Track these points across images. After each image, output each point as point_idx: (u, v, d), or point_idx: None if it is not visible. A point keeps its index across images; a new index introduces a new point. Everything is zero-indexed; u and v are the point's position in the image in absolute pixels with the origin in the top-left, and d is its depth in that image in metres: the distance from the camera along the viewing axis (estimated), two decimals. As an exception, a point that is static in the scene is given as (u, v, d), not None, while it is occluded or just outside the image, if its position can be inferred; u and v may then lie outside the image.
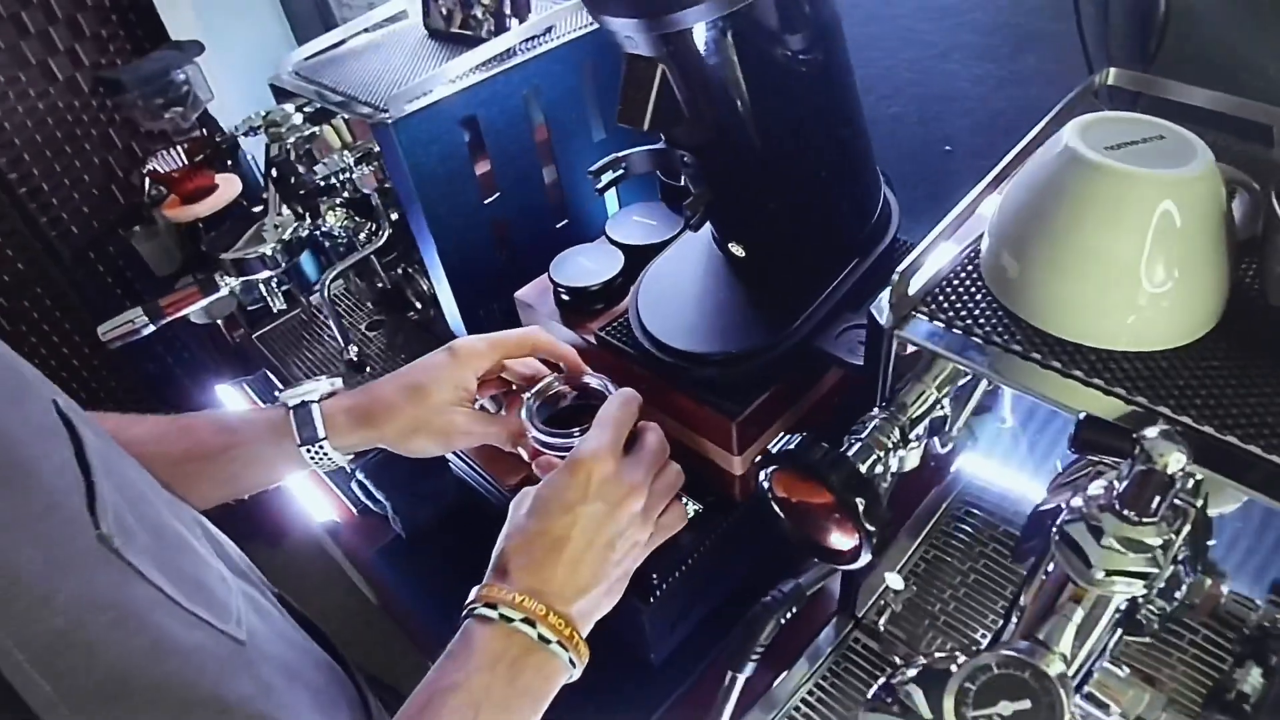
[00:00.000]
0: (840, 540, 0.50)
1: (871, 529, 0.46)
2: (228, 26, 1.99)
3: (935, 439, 0.57)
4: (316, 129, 1.06)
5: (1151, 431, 0.39)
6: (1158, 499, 0.40)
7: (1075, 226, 0.48)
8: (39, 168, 1.90)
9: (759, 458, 0.51)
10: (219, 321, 1.50)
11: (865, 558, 0.49)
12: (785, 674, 0.80)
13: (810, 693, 0.78)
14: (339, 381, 0.75)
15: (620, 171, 0.76)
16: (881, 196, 0.87)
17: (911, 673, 0.54)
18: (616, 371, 0.85)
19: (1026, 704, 0.41)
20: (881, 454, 0.50)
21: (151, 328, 1.10)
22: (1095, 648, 0.44)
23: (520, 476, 0.90)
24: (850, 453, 0.49)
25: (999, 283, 0.54)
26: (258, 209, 1.20)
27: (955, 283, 0.56)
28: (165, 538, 0.49)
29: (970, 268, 0.57)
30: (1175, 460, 0.39)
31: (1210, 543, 0.49)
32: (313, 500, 1.23)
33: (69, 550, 0.41)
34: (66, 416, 0.45)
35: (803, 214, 0.79)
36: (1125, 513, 0.42)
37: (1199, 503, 0.45)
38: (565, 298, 0.94)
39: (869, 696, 0.53)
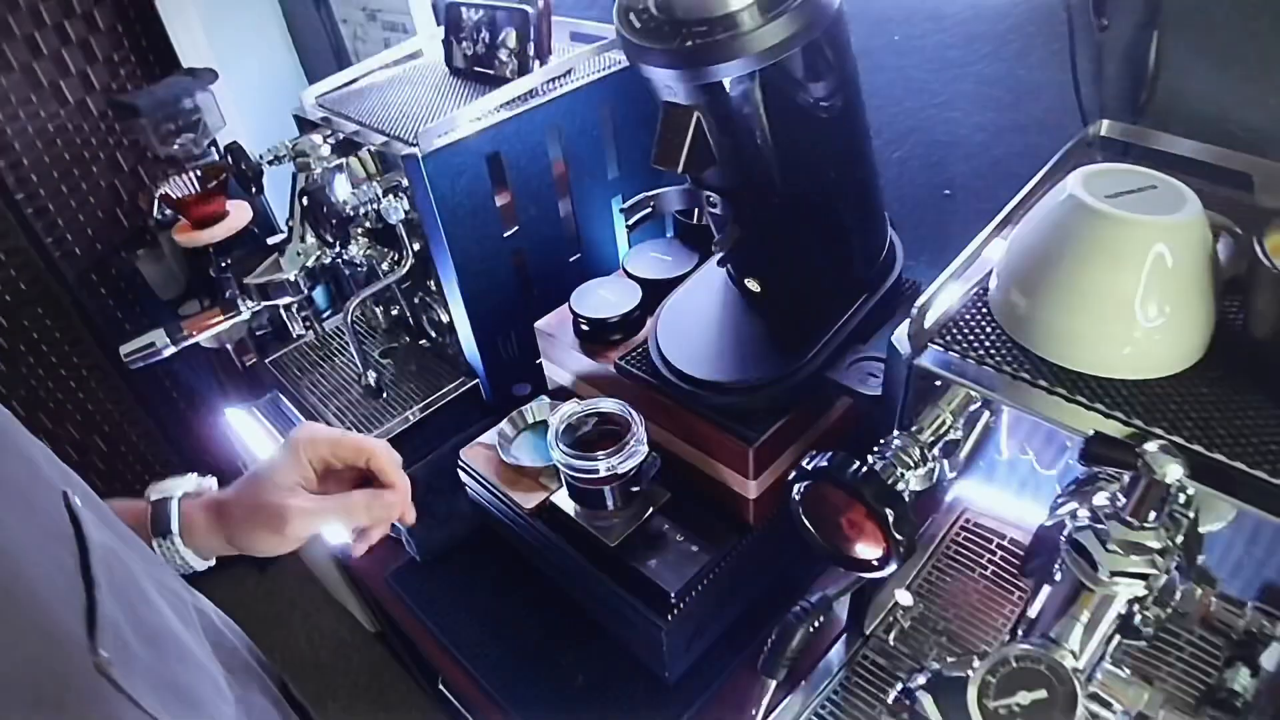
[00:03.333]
0: (868, 550, 0.55)
1: (900, 538, 0.51)
2: (238, 56, 2.05)
3: (946, 463, 0.63)
4: (343, 160, 1.12)
5: (1152, 446, 0.45)
6: (1156, 507, 0.46)
7: (1078, 266, 0.55)
8: (45, 188, 1.94)
9: (793, 474, 0.57)
10: (229, 346, 1.54)
11: (893, 566, 0.54)
12: (799, 686, 0.84)
13: (823, 706, 0.82)
14: (210, 482, 0.73)
15: (649, 209, 0.82)
16: (888, 236, 0.93)
17: (922, 679, 0.59)
18: (635, 399, 0.91)
19: (1043, 693, 0.46)
20: (904, 472, 0.56)
21: (173, 348, 1.15)
22: (1100, 646, 0.50)
23: (539, 500, 0.95)
24: (878, 468, 0.55)
25: (1008, 317, 0.60)
26: (272, 239, 1.26)
27: (967, 317, 0.62)
28: (163, 647, 0.48)
29: (980, 304, 0.63)
30: (1173, 471, 0.44)
31: (1200, 557, 0.55)
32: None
33: (65, 685, 0.39)
34: (75, 516, 0.44)
35: (817, 252, 0.86)
36: (1128, 520, 0.47)
37: (1191, 514, 0.51)
38: (585, 328, 1.00)
39: (890, 701, 0.58)
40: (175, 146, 1.80)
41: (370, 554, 1.18)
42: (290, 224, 1.15)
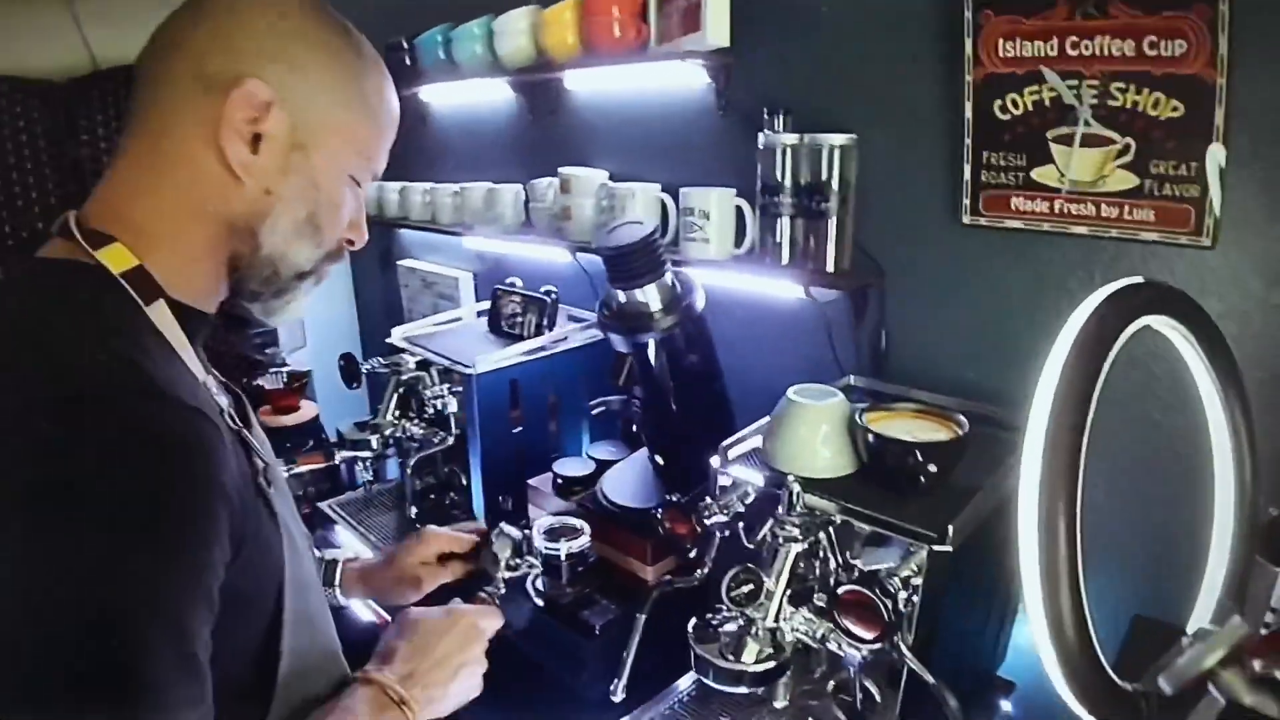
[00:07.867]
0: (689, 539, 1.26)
1: (700, 529, 1.23)
2: (313, 308, 2.93)
3: (742, 529, 1.35)
4: (421, 373, 1.91)
5: (791, 477, 1.19)
6: (794, 504, 1.18)
7: (792, 427, 1.31)
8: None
9: (659, 505, 1.29)
10: (289, 501, 2.23)
11: (697, 548, 1.25)
12: (655, 699, 1.48)
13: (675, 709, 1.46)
14: (348, 552, 1.37)
15: (604, 408, 1.61)
16: (741, 442, 1.72)
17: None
18: (587, 519, 1.63)
19: (752, 585, 1.15)
20: (710, 512, 1.27)
21: (286, 474, 1.86)
22: (786, 575, 1.18)
23: (520, 579, 1.62)
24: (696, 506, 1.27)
25: (767, 453, 1.36)
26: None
27: (748, 455, 1.39)
28: None
29: (756, 450, 1.40)
30: (797, 486, 1.18)
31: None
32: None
33: (305, 547, 1.01)
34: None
35: (694, 444, 1.63)
36: (784, 515, 1.20)
37: (829, 533, 1.24)
38: (560, 482, 1.74)
39: (690, 631, 1.26)
40: (265, 354, 2.60)
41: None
42: (380, 407, 1.92)
